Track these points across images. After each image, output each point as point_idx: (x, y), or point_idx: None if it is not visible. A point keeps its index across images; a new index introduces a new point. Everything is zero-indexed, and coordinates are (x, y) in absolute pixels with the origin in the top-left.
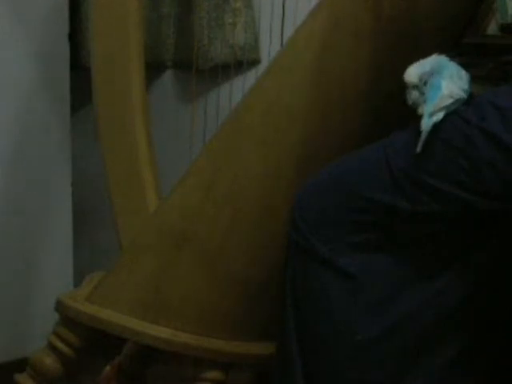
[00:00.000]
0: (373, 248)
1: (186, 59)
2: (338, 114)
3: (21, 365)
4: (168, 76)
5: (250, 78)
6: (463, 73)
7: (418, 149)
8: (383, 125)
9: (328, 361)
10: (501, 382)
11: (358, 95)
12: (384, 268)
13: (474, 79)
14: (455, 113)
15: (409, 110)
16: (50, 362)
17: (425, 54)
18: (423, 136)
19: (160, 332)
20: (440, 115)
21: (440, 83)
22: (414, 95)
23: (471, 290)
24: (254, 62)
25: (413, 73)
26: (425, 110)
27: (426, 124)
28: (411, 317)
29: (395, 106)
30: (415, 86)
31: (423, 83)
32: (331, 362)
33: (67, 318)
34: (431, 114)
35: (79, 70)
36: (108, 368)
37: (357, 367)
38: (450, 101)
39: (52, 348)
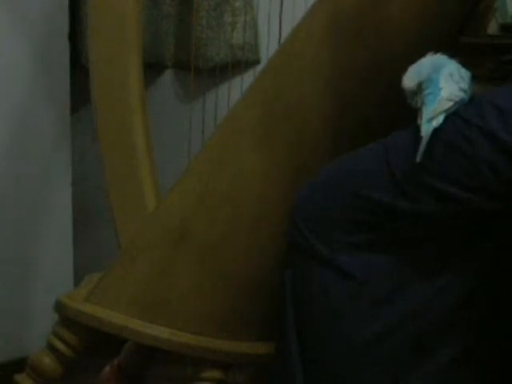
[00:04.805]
0: (373, 248)
1: (185, 59)
2: (337, 113)
3: (21, 365)
4: (168, 76)
5: (249, 77)
6: (464, 71)
7: (418, 158)
8: (383, 124)
9: (328, 361)
10: (501, 382)
11: (356, 94)
12: (384, 268)
13: (474, 79)
14: (455, 113)
15: (409, 108)
16: (49, 362)
17: (424, 54)
18: (423, 143)
19: (159, 332)
20: (440, 119)
21: (438, 84)
22: (413, 100)
23: (471, 290)
24: (254, 62)
25: (411, 79)
26: (423, 114)
27: (426, 130)
28: (411, 317)
29: (395, 106)
30: (414, 93)
31: (421, 89)
32: (331, 362)
33: (67, 318)
34: (430, 119)
35: (79, 69)
36: (108, 368)
37: (357, 367)
38: (449, 104)
39: (51, 348)
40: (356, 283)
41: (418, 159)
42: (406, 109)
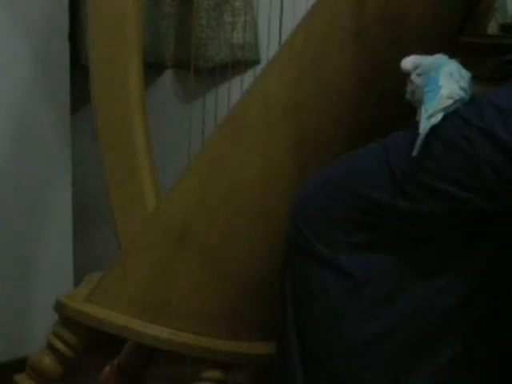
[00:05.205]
0: (373, 248)
1: (185, 59)
2: (337, 114)
3: (21, 365)
4: (168, 76)
5: (249, 77)
6: (464, 71)
7: (414, 152)
8: (383, 124)
9: (328, 361)
10: (501, 382)
11: (356, 94)
12: (384, 268)
13: (474, 79)
14: (455, 112)
15: (409, 108)
16: (48, 362)
17: (424, 54)
18: (419, 139)
19: (159, 332)
20: (438, 117)
21: (438, 82)
22: (409, 87)
23: (471, 290)
24: (254, 62)
25: (409, 61)
26: (423, 111)
27: (424, 127)
28: (411, 317)
29: (395, 106)
30: (410, 77)
31: (417, 74)
32: (331, 362)
33: (67, 318)
34: (430, 117)
35: (79, 69)
36: (108, 368)
37: (357, 367)
38: (449, 102)
39: (51, 348)
40: (356, 283)
41: (414, 153)
42: (406, 109)
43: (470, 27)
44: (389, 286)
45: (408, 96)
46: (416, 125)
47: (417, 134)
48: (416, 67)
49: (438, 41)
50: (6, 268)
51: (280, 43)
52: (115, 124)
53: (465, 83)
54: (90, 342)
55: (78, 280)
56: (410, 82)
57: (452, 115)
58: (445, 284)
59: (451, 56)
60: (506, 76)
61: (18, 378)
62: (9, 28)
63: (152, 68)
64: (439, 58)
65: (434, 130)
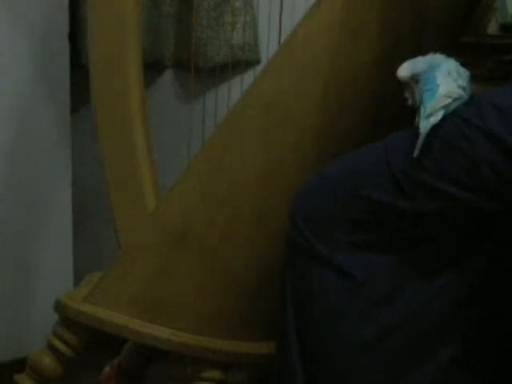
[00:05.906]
0: (373, 248)
1: (185, 59)
2: (337, 114)
3: (21, 365)
4: (168, 76)
5: (249, 77)
6: (462, 70)
7: (416, 152)
8: (383, 124)
9: (328, 361)
10: (501, 382)
11: (356, 94)
12: (384, 268)
13: (473, 79)
14: (455, 112)
15: (409, 109)
16: (48, 361)
17: (424, 53)
18: (421, 139)
19: (159, 332)
20: (438, 116)
21: (436, 81)
22: (407, 93)
23: (471, 290)
24: (254, 62)
25: (405, 69)
26: (422, 111)
27: (424, 126)
28: (411, 317)
29: (395, 106)
30: (408, 84)
31: (415, 81)
32: (331, 362)
33: (67, 318)
34: (428, 116)
35: (79, 69)
36: (108, 368)
37: (357, 367)
38: (448, 100)
39: (51, 348)
40: (356, 283)
41: (415, 154)
42: (406, 109)
43: (470, 27)
44: (389, 286)
45: (409, 101)
46: (416, 125)
47: (417, 133)
48: (413, 76)
49: (438, 40)
50: (6, 268)
51: (280, 43)
52: (115, 124)
53: (463, 81)
54: (90, 342)
55: (78, 280)
56: (407, 88)
57: (451, 115)
58: (445, 284)
59: (449, 55)
60: (506, 76)
61: (18, 378)
62: (9, 28)
63: (152, 68)
64: (436, 58)
65: (433, 129)
